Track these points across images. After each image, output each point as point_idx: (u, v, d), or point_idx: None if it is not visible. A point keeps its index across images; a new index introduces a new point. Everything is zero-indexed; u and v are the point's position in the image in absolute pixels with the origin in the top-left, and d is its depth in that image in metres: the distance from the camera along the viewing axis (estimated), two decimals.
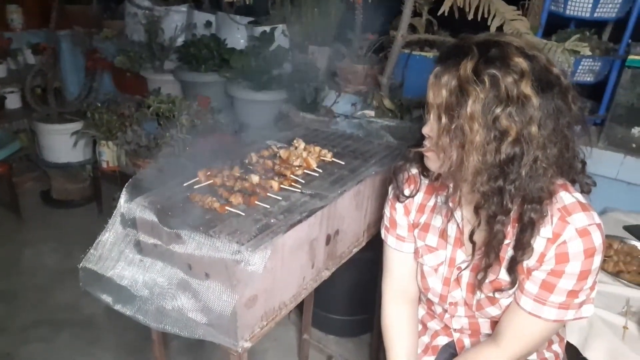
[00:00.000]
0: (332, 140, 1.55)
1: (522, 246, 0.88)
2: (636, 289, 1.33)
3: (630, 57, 1.85)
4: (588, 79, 1.91)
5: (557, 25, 1.98)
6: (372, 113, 1.84)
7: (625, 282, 1.35)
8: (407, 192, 1.09)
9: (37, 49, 3.41)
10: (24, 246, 2.75)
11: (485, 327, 1.11)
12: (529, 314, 0.94)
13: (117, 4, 3.30)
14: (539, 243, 0.89)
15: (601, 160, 1.93)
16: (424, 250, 1.09)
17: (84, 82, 3.48)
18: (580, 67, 1.86)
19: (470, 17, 1.58)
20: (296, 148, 1.35)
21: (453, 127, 0.83)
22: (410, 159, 1.06)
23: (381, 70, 2.00)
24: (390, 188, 1.14)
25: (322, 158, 1.34)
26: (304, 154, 1.31)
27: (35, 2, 3.42)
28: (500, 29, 1.52)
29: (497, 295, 0.98)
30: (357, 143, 1.53)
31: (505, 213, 0.86)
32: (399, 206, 1.13)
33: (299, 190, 1.18)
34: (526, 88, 0.79)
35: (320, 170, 1.29)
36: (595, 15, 1.86)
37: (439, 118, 0.86)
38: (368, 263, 1.86)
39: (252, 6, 2.79)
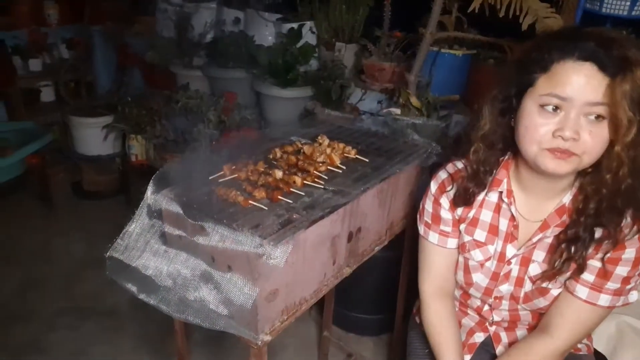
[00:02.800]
0: (356, 137, 1.54)
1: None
2: None
3: None
4: None
5: (592, 24, 1.92)
6: (398, 111, 1.82)
7: None
8: (475, 194, 1.05)
9: (71, 44, 3.50)
10: (54, 235, 2.83)
11: (526, 318, 1.11)
12: (584, 302, 0.95)
13: (148, 0, 3.36)
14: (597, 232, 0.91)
15: None
16: (471, 246, 1.09)
17: (115, 76, 3.56)
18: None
19: (501, 14, 1.55)
20: (320, 144, 1.35)
21: (621, 131, 0.82)
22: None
23: (409, 67, 1.97)
24: (433, 183, 1.14)
25: (345, 155, 1.34)
26: (328, 151, 1.31)
27: None
28: (532, 27, 1.49)
29: (550, 285, 0.99)
30: (381, 141, 1.51)
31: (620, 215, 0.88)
32: (444, 201, 1.10)
33: (322, 187, 1.18)
34: None
35: (344, 167, 1.29)
36: (634, 13, 1.79)
37: (619, 112, 0.81)
38: (390, 262, 1.85)
39: (280, 3, 2.80)
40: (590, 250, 0.93)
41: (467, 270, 1.11)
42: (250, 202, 1.07)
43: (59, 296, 2.34)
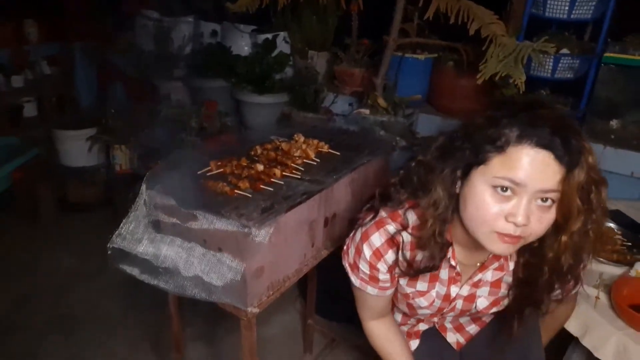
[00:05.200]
0: (329, 135, 1.70)
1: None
2: (609, 265, 1.47)
3: (607, 54, 2.00)
4: (568, 75, 2.06)
5: (540, 28, 2.13)
6: (367, 111, 1.99)
7: (601, 259, 1.49)
8: (421, 256, 1.02)
9: (53, 61, 3.59)
10: (42, 248, 2.86)
11: (465, 319, 1.27)
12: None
13: (127, 16, 3.48)
14: None
15: None
16: (414, 295, 1.12)
17: (97, 91, 3.66)
18: (559, 65, 2.01)
19: (452, 21, 1.74)
20: (296, 141, 1.51)
21: (565, 216, 0.85)
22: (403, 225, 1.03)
23: (376, 72, 2.15)
24: (366, 248, 1.06)
25: (319, 150, 1.49)
26: (303, 146, 1.46)
27: (50, 16, 3.60)
28: (478, 31, 1.68)
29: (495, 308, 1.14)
30: (352, 137, 1.67)
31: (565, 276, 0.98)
32: (381, 266, 1.05)
33: (299, 177, 1.33)
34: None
35: (318, 160, 1.44)
36: (573, 16, 2.01)
37: (568, 201, 0.84)
38: None
39: (255, 15, 2.97)
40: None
41: (411, 308, 1.17)
42: (235, 191, 1.21)
43: (51, 306, 2.38)
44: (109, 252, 1.21)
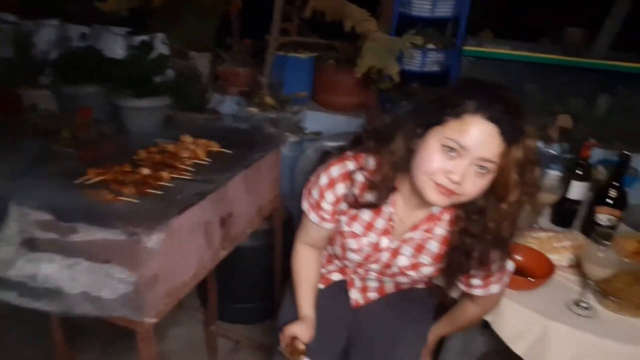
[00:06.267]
0: (220, 134, 1.66)
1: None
2: None
3: (465, 48, 2.23)
4: (435, 68, 2.26)
5: (408, 25, 2.31)
6: (256, 110, 1.99)
7: None
8: (368, 197, 1.12)
9: None
10: None
11: (372, 283, 1.36)
12: (484, 295, 1.20)
13: None
14: None
15: None
16: (348, 235, 1.21)
17: None
18: (427, 59, 2.20)
19: (328, 19, 1.81)
20: (184, 142, 1.46)
21: (500, 187, 0.98)
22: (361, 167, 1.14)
23: (261, 71, 2.16)
24: (324, 176, 1.17)
25: (209, 149, 1.46)
26: (192, 147, 1.42)
27: None
28: (353, 28, 1.77)
29: (412, 273, 1.22)
30: (242, 135, 1.67)
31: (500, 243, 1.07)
32: (329, 195, 1.17)
33: (190, 178, 1.29)
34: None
35: (210, 160, 1.42)
36: (435, 14, 2.21)
37: (507, 174, 0.96)
38: (266, 250, 2.01)
39: (129, 17, 2.80)
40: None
41: (344, 249, 1.26)
42: (119, 198, 1.15)
43: None
44: None
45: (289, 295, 1.37)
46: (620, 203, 1.53)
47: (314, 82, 2.43)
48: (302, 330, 1.22)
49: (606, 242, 1.23)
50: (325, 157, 1.23)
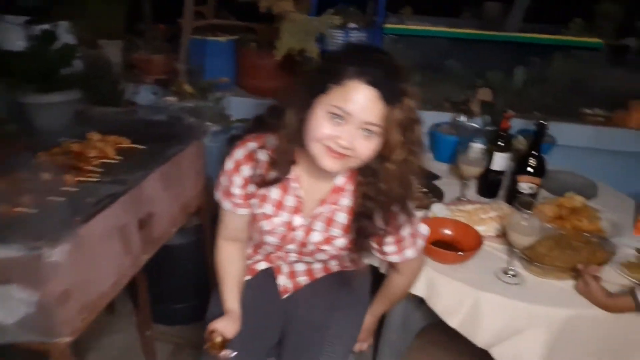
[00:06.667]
0: (133, 128, 1.55)
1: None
2: None
3: (387, 26, 2.21)
4: None
5: (329, 5, 2.26)
6: (174, 99, 1.87)
7: None
8: (272, 175, 1.13)
9: None
10: None
11: (300, 267, 1.34)
12: (400, 260, 1.21)
13: None
14: None
15: None
16: (261, 217, 1.20)
17: None
18: (349, 38, 2.17)
19: None
20: (90, 140, 1.34)
21: (387, 147, 0.99)
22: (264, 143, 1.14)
23: (177, 58, 2.03)
24: (229, 161, 1.17)
25: (119, 146, 1.35)
26: (100, 145, 1.30)
27: None
28: (270, 8, 1.70)
29: (326, 247, 1.20)
30: (159, 128, 1.56)
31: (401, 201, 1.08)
32: (236, 179, 1.17)
33: (98, 180, 1.18)
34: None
35: (121, 158, 1.30)
36: None
37: (374, 138, 0.98)
38: (196, 247, 1.92)
39: (25, 5, 2.53)
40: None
41: (261, 232, 1.24)
42: (15, 210, 1.02)
43: None
44: None
45: (215, 292, 1.32)
46: (540, 171, 1.59)
47: (236, 66, 2.32)
48: (225, 325, 1.18)
49: (528, 211, 1.27)
50: (233, 142, 1.21)
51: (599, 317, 1.25)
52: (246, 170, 1.15)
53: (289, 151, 1.11)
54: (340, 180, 1.16)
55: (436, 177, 1.92)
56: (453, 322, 1.34)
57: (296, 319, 1.30)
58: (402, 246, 1.18)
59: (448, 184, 1.84)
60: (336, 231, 1.19)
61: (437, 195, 1.75)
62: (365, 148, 1.00)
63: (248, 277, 1.35)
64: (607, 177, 1.97)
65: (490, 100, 1.99)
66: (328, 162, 1.01)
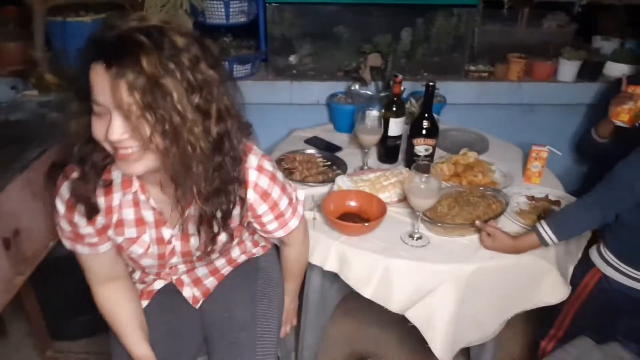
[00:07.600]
0: None
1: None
2: (318, 186, 1.61)
3: None
4: (242, 19, 2.10)
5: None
6: (36, 92, 1.63)
7: (310, 183, 1.62)
8: (101, 202, 0.97)
9: None
10: None
11: (201, 271, 1.24)
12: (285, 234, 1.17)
13: None
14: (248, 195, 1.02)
15: (274, 91, 2.20)
16: (127, 244, 1.06)
17: None
18: (231, 10, 2.03)
19: None
20: None
21: (165, 124, 0.77)
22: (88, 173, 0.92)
23: (33, 44, 1.77)
24: (59, 204, 0.98)
25: None
26: None
27: None
28: None
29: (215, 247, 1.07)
30: (15, 129, 1.35)
31: (233, 182, 0.94)
32: (78, 219, 0.99)
33: None
34: (206, 70, 0.80)
35: None
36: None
37: (141, 118, 0.77)
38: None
39: None
40: (235, 216, 1.02)
41: (133, 260, 1.11)
42: None
43: None
44: None
45: (115, 341, 1.15)
46: (434, 131, 1.62)
47: None
48: None
49: (424, 174, 1.27)
50: (51, 174, 0.99)
51: (501, 266, 1.32)
52: (82, 208, 0.96)
53: (96, 161, 0.91)
54: None
55: (338, 148, 1.90)
56: (366, 292, 1.34)
57: (220, 321, 1.21)
58: (284, 220, 1.14)
59: (350, 154, 1.84)
60: (215, 226, 1.03)
61: (341, 167, 1.72)
62: (146, 131, 0.79)
63: (145, 302, 1.20)
64: (495, 129, 2.08)
65: (380, 66, 1.99)
66: (123, 167, 0.85)
